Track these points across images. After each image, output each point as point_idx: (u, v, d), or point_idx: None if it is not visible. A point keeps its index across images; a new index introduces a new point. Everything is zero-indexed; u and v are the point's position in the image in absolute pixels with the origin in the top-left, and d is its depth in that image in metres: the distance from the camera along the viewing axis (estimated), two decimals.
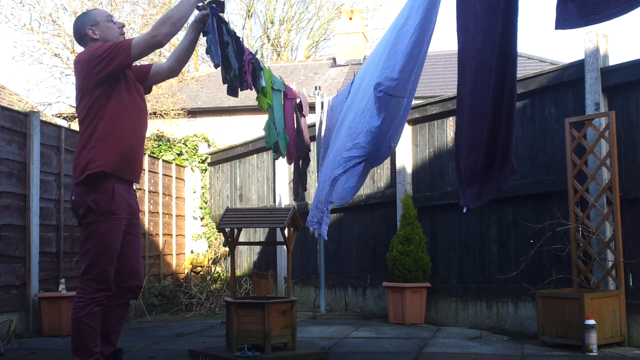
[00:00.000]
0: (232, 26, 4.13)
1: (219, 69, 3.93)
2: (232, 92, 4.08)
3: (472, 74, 2.72)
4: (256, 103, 4.81)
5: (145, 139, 3.78)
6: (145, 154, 9.08)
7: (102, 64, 3.41)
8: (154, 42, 3.40)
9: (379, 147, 3.48)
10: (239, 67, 4.02)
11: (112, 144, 3.45)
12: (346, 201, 4.08)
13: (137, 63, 3.75)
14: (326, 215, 4.77)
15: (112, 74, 3.43)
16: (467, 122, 2.77)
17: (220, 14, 3.82)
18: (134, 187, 3.80)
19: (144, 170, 8.63)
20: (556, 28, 2.39)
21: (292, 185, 5.74)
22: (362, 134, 3.21)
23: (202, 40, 3.93)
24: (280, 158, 5.28)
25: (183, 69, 16.61)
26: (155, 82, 3.88)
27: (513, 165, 2.67)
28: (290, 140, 5.09)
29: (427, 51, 3.15)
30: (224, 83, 3.98)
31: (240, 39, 4.16)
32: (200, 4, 3.69)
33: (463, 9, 2.83)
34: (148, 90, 3.87)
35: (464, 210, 3.03)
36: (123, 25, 3.72)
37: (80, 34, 3.64)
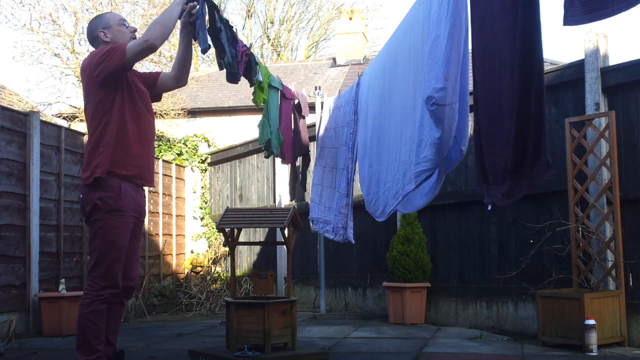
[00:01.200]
0: (232, 26, 4.11)
1: (221, 68, 3.91)
2: (232, 78, 4.02)
3: (495, 73, 2.74)
4: None
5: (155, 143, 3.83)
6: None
7: (100, 68, 3.48)
8: (147, 45, 3.44)
9: (447, 154, 3.51)
10: (233, 55, 3.99)
11: (120, 149, 3.53)
12: (417, 209, 4.16)
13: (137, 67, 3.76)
14: (349, 219, 4.78)
15: (111, 76, 3.50)
16: (494, 121, 2.78)
17: (213, 1, 3.79)
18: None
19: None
20: (564, 24, 2.42)
21: (290, 187, 5.73)
22: (427, 148, 3.23)
23: None
24: (275, 157, 5.27)
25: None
26: (163, 90, 3.94)
27: (548, 161, 2.67)
28: (285, 140, 5.07)
29: (467, 52, 3.14)
30: (220, 69, 3.96)
31: (234, 29, 4.14)
32: None
33: (477, 8, 2.84)
34: (158, 97, 3.94)
35: (489, 208, 3.05)
36: (135, 30, 3.78)
37: (92, 36, 3.72)
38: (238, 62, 4.11)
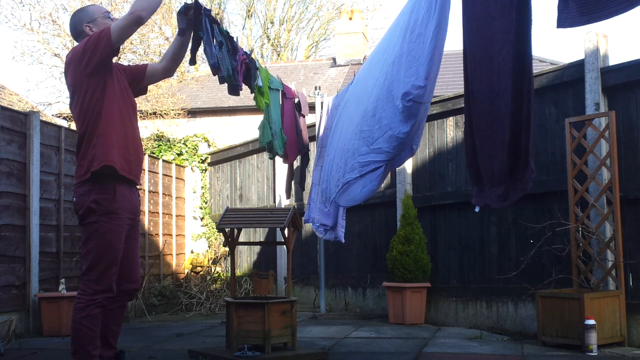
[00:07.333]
0: (232, 26, 4.13)
1: (221, 82, 3.93)
2: (233, 91, 4.05)
3: (493, 75, 2.73)
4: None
5: (144, 139, 3.74)
6: (145, 153, 9.09)
7: (87, 57, 3.32)
8: (133, 18, 3.26)
9: (402, 151, 3.50)
10: (234, 67, 4.00)
11: (114, 140, 3.37)
12: (358, 203, 4.05)
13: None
14: (341, 217, 4.77)
15: (100, 64, 3.34)
16: (492, 123, 2.76)
17: (213, 16, 3.81)
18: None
19: (144, 170, 8.63)
20: (558, 26, 2.41)
21: (286, 185, 5.72)
22: (382, 139, 3.18)
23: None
24: (277, 157, 5.28)
25: (182, 69, 16.32)
26: (151, 82, 3.80)
27: (532, 166, 2.67)
28: (288, 140, 5.08)
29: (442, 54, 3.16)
30: (220, 83, 3.96)
31: (235, 39, 4.15)
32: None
33: (472, 9, 2.82)
34: (144, 90, 3.82)
35: (477, 210, 3.02)
36: None
37: (77, 31, 3.55)
38: (237, 72, 4.11)
